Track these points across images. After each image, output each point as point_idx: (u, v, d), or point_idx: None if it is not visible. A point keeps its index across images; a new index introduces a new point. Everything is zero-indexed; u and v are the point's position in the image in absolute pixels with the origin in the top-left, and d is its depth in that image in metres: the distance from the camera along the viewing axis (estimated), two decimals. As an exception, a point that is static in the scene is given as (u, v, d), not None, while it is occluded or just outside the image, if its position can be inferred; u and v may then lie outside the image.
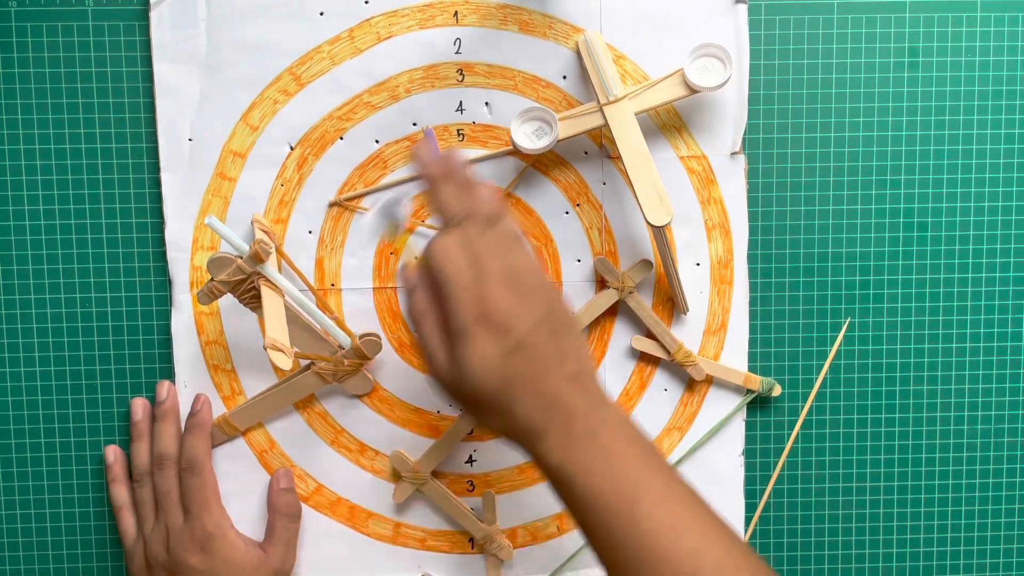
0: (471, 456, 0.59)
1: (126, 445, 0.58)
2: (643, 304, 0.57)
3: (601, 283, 0.58)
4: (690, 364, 0.57)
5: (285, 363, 0.47)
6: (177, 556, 0.53)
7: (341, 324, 0.56)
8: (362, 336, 0.55)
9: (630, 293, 0.57)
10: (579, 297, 0.58)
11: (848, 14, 0.57)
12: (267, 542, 0.56)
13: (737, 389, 0.59)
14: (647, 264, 0.57)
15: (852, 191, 0.58)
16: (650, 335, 0.58)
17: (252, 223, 0.56)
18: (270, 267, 0.52)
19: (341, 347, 0.55)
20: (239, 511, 0.58)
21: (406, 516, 0.59)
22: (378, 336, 0.56)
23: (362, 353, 0.55)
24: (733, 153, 0.57)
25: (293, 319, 0.53)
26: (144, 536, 0.55)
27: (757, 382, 0.58)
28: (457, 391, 0.43)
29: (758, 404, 0.59)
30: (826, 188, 0.58)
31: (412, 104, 0.56)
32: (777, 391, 0.58)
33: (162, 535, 0.54)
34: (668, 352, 0.57)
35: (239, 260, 0.50)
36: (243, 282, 0.51)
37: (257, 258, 0.50)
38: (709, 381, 0.59)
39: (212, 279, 0.51)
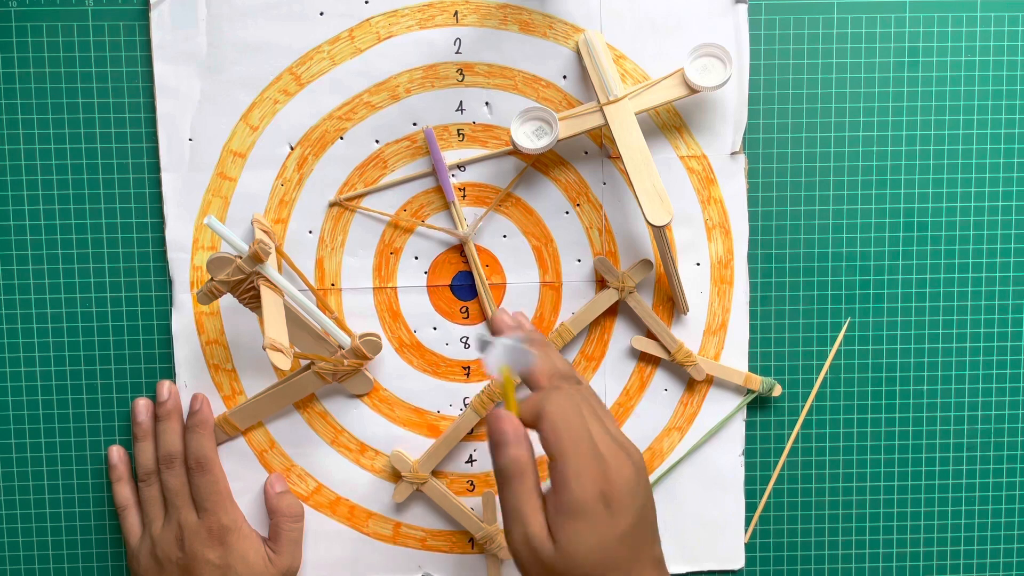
0: (471, 456, 0.59)
1: (127, 444, 0.58)
2: (643, 304, 0.57)
3: (601, 283, 0.58)
4: (690, 364, 0.57)
5: (284, 363, 0.47)
6: (194, 552, 0.54)
7: (341, 324, 0.56)
8: (362, 336, 0.55)
9: (630, 293, 0.57)
10: (579, 297, 0.58)
11: (848, 14, 0.57)
12: (274, 542, 0.56)
13: (737, 389, 0.59)
14: (647, 264, 0.57)
15: (852, 191, 0.58)
16: (650, 335, 0.58)
17: (252, 223, 0.56)
18: (270, 267, 0.52)
19: (341, 347, 0.55)
20: (240, 510, 0.58)
21: (406, 516, 0.59)
22: (378, 336, 0.56)
23: (362, 353, 0.55)
24: (733, 153, 0.57)
25: (293, 319, 0.53)
26: (152, 535, 0.55)
27: (757, 382, 0.58)
28: (550, 568, 0.38)
29: (758, 404, 0.59)
30: (826, 188, 0.58)
31: (412, 104, 0.56)
32: (777, 391, 0.58)
33: (174, 532, 0.54)
34: (668, 352, 0.57)
35: (239, 260, 0.51)
36: (243, 282, 0.51)
37: (257, 258, 0.50)
38: (709, 381, 0.59)
39: (212, 279, 0.51)
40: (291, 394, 0.57)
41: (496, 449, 0.41)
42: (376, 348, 0.56)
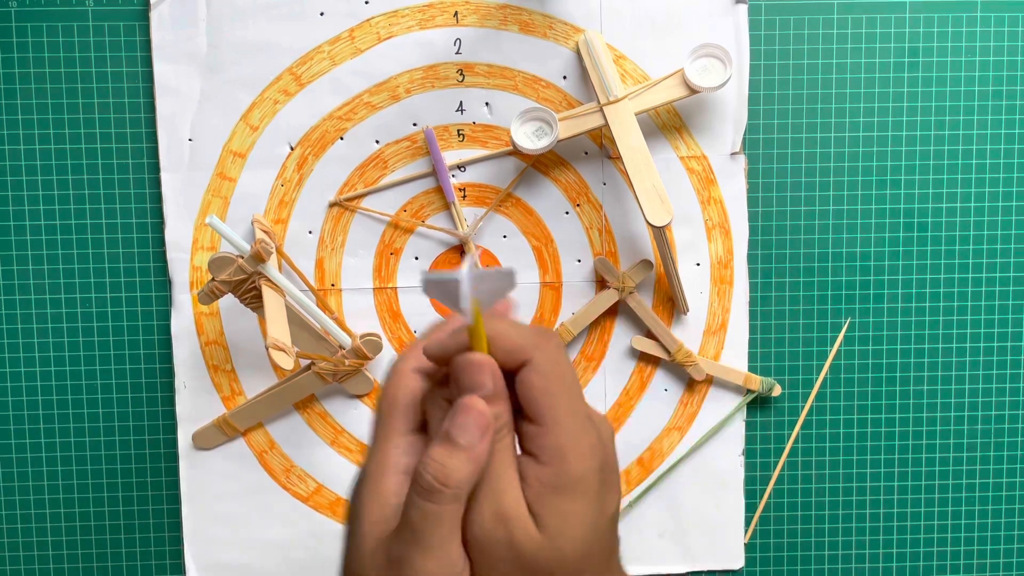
0: (471, 456, 0.59)
1: (125, 445, 0.58)
2: (643, 304, 0.57)
3: (601, 283, 0.58)
4: (690, 364, 0.57)
5: (287, 363, 0.47)
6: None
7: (341, 324, 0.56)
8: (363, 336, 0.55)
9: (630, 293, 0.57)
10: (579, 297, 0.58)
11: (848, 14, 0.57)
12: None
13: (737, 389, 0.59)
14: (647, 264, 0.57)
15: (852, 191, 0.58)
16: (650, 335, 0.58)
17: (252, 223, 0.56)
18: (271, 267, 0.52)
19: (342, 347, 0.55)
20: (239, 512, 0.58)
21: (406, 516, 0.59)
22: (378, 336, 0.56)
23: (363, 353, 0.55)
24: (733, 153, 0.57)
25: (294, 319, 0.53)
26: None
27: (757, 382, 0.58)
28: (529, 558, 0.29)
29: (758, 404, 0.59)
30: (826, 188, 0.58)
31: (412, 104, 0.56)
32: (777, 391, 0.58)
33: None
34: (668, 352, 0.57)
35: (240, 260, 0.50)
36: (244, 282, 0.51)
37: (258, 258, 0.50)
38: (709, 381, 0.59)
39: (213, 279, 0.51)
40: (291, 395, 0.57)
41: (467, 401, 0.30)
42: (377, 348, 0.56)
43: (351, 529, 0.31)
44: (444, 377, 0.32)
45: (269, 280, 0.52)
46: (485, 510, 0.30)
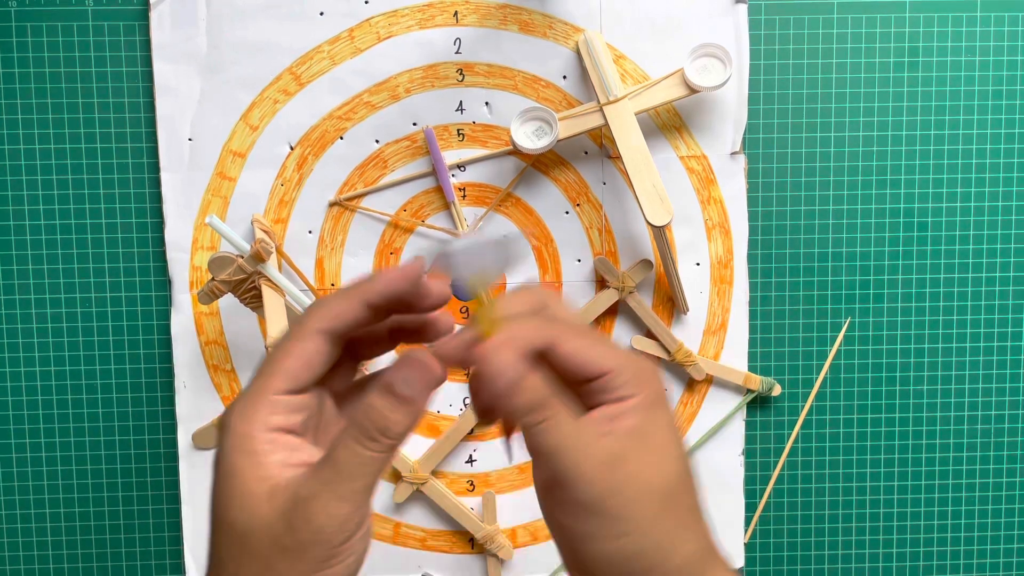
0: (471, 456, 0.59)
1: (125, 445, 0.58)
2: (643, 304, 0.57)
3: (601, 283, 0.58)
4: (690, 364, 0.57)
5: None
6: None
7: None
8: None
9: (630, 293, 0.57)
10: (579, 297, 0.58)
11: (848, 14, 0.57)
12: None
13: (737, 389, 0.59)
14: (647, 264, 0.57)
15: (852, 191, 0.58)
16: (650, 335, 0.58)
17: (252, 223, 0.56)
18: (271, 267, 0.52)
19: None
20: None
21: (406, 516, 0.59)
22: None
23: None
24: (733, 153, 0.57)
25: (294, 319, 0.53)
26: None
27: (757, 382, 0.58)
28: (661, 480, 0.29)
29: (758, 404, 0.59)
30: (826, 188, 0.58)
31: (412, 104, 0.56)
32: (777, 391, 0.58)
33: None
34: (668, 352, 0.57)
35: (240, 260, 0.51)
36: (244, 282, 0.51)
37: (258, 257, 0.50)
38: (709, 381, 0.59)
39: (213, 279, 0.51)
40: None
41: (503, 391, 0.29)
42: None
43: (226, 477, 0.30)
44: (350, 340, 0.32)
45: (269, 280, 0.52)
46: (588, 465, 0.29)
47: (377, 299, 0.30)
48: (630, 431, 0.29)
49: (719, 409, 0.59)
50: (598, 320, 0.58)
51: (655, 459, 0.29)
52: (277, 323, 0.50)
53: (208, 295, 0.51)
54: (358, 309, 0.30)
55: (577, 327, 0.30)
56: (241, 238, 0.52)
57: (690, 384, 0.59)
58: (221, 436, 0.30)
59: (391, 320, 0.33)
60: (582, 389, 0.30)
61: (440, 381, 0.30)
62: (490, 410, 0.30)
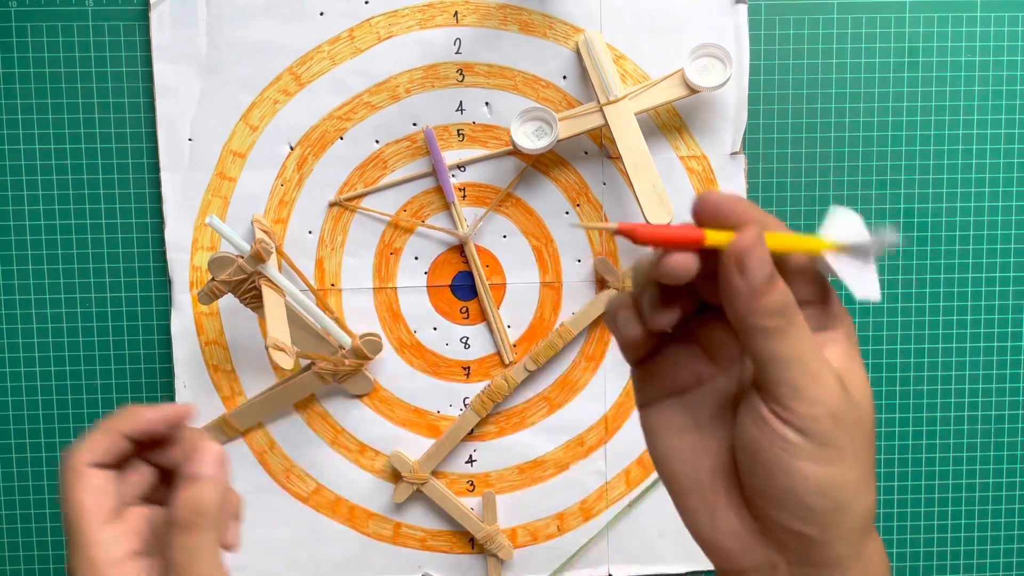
0: (471, 456, 0.59)
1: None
2: (643, 304, 0.57)
3: (601, 283, 0.58)
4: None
5: (287, 363, 0.47)
6: None
7: (341, 324, 0.56)
8: (362, 336, 0.55)
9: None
10: (579, 297, 0.58)
11: (848, 14, 0.57)
12: None
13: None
14: (647, 264, 0.57)
15: (852, 191, 0.58)
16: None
17: (252, 223, 0.56)
18: (271, 267, 0.52)
19: (342, 347, 0.55)
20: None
21: (406, 516, 0.59)
22: (378, 336, 0.56)
23: (363, 353, 0.55)
24: (733, 153, 0.57)
25: (294, 319, 0.53)
26: None
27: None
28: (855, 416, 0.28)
29: (758, 404, 0.59)
30: (826, 188, 0.58)
31: (412, 104, 0.56)
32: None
33: None
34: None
35: (240, 260, 0.51)
36: (244, 282, 0.51)
37: (258, 257, 0.50)
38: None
39: (213, 279, 0.51)
40: (291, 395, 0.57)
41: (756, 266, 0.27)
42: (377, 348, 0.56)
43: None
44: (123, 457, 0.35)
45: (269, 280, 0.52)
46: (825, 385, 0.27)
47: (133, 434, 0.34)
48: (842, 359, 0.28)
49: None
50: (598, 320, 0.58)
51: (863, 394, 0.29)
52: (277, 323, 0.50)
53: (208, 295, 0.51)
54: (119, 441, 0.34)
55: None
56: (241, 238, 0.52)
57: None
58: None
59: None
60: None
61: (224, 459, 0.35)
62: (732, 305, 0.27)
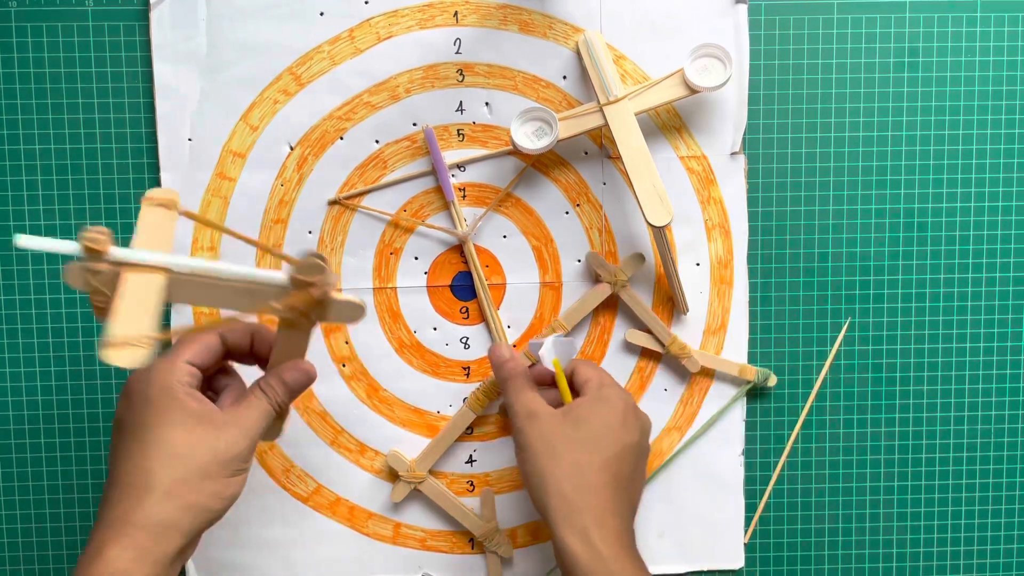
0: (471, 456, 0.59)
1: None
2: (636, 297, 0.57)
3: (597, 280, 0.58)
4: (685, 356, 0.57)
5: (132, 360, 0.40)
6: None
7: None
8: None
9: (623, 287, 0.57)
10: (578, 297, 0.58)
11: (848, 14, 0.57)
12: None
13: (735, 384, 0.59)
14: (639, 257, 0.57)
15: (852, 191, 0.58)
16: (646, 330, 0.58)
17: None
18: (122, 250, 0.42)
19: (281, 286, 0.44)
20: (239, 512, 0.57)
21: (406, 516, 0.59)
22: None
23: (301, 282, 0.44)
24: (733, 153, 0.57)
25: (206, 287, 0.44)
26: None
27: (753, 372, 0.58)
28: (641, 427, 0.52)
29: (758, 404, 0.59)
30: (826, 188, 0.58)
31: (412, 104, 0.56)
32: (773, 381, 0.58)
33: None
34: (663, 345, 0.57)
35: (82, 265, 0.42)
36: (116, 278, 0.42)
37: (89, 252, 0.42)
38: (709, 377, 0.58)
39: (87, 293, 0.42)
40: (284, 353, 0.49)
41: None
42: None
43: (151, 381, 0.45)
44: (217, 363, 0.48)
45: (136, 265, 0.42)
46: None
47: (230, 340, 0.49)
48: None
49: (719, 409, 0.59)
50: (596, 317, 0.58)
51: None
52: (134, 311, 0.41)
53: (100, 312, 0.42)
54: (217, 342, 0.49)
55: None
56: (69, 244, 0.42)
57: (690, 384, 0.59)
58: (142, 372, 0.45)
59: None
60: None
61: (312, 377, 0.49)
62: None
